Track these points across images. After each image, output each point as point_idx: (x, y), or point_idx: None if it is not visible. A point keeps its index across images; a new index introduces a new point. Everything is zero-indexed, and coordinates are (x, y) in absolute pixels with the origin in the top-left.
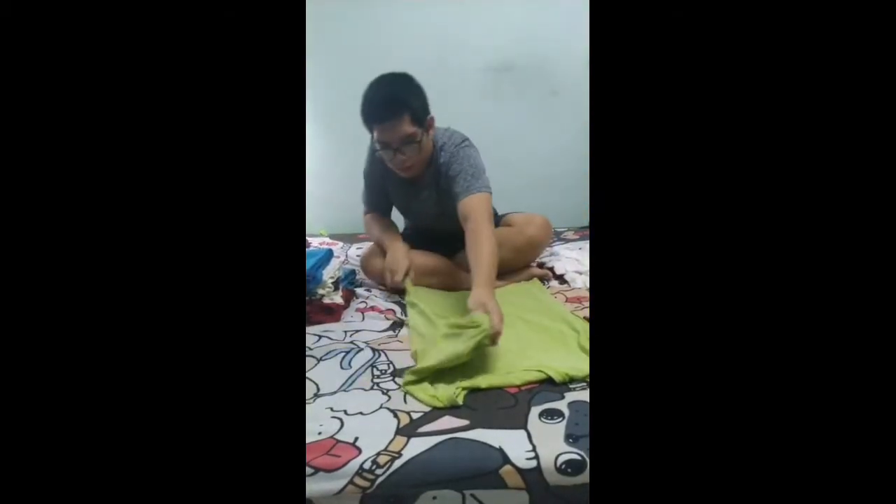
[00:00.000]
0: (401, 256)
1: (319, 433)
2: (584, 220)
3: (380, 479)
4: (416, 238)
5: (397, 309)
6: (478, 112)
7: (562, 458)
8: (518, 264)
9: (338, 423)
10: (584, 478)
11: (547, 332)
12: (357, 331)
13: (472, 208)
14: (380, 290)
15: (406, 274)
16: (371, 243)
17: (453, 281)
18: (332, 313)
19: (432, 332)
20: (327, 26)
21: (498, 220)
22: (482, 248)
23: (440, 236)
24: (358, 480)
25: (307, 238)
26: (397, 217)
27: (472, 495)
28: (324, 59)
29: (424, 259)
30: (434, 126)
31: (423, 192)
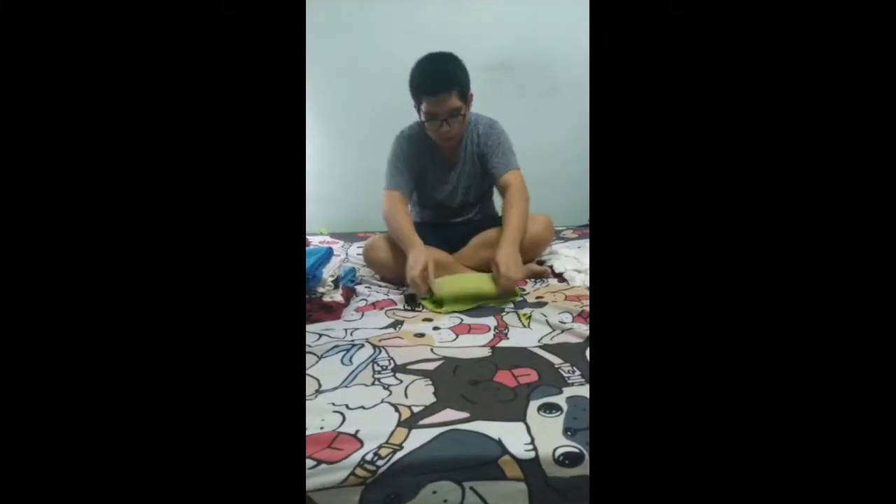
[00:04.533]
0: (421, 258)
1: (321, 427)
2: (583, 218)
3: (381, 471)
4: (423, 231)
5: (397, 307)
6: (478, 110)
7: (560, 451)
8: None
9: (339, 417)
10: (581, 470)
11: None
12: (357, 328)
13: (512, 181)
14: (380, 285)
15: (425, 268)
16: (374, 236)
17: (452, 274)
18: (333, 311)
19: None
20: (327, 26)
21: (500, 218)
22: (514, 213)
23: (448, 227)
24: (359, 472)
25: (307, 237)
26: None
27: (471, 488)
28: (324, 58)
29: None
30: (472, 102)
31: (456, 166)
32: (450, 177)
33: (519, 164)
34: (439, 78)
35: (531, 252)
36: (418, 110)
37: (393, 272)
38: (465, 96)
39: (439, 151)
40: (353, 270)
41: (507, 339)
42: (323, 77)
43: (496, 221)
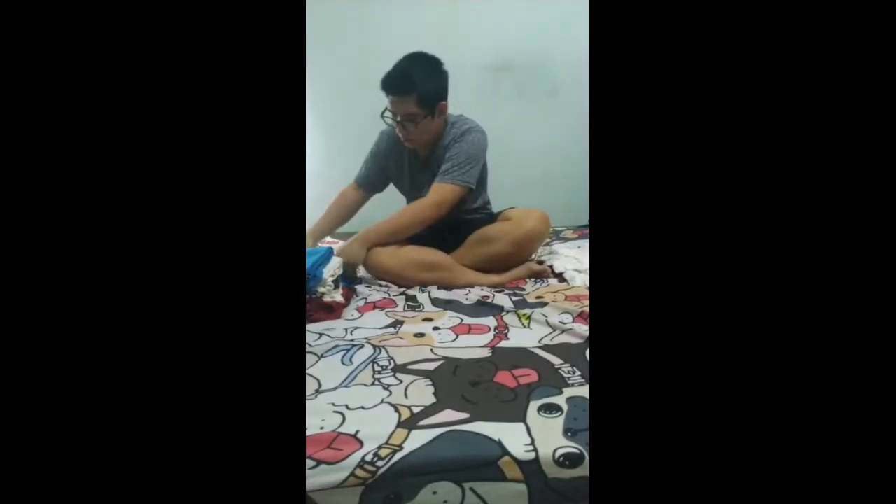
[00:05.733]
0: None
1: (321, 427)
2: (583, 218)
3: (381, 471)
4: (420, 232)
5: (397, 307)
6: (476, 111)
7: (560, 452)
8: (517, 258)
9: (339, 417)
10: (582, 471)
11: None
12: (357, 328)
13: (434, 191)
14: (380, 285)
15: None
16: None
17: (452, 275)
18: (333, 311)
19: None
20: (327, 26)
21: (496, 216)
22: (397, 216)
23: (438, 229)
24: (359, 472)
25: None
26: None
27: (471, 489)
28: (324, 58)
29: (423, 254)
30: (445, 112)
31: (425, 171)
32: (425, 176)
33: (469, 181)
34: (397, 79)
35: (527, 247)
36: None
37: (393, 275)
38: (430, 104)
39: (415, 151)
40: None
41: (507, 339)
42: (323, 77)
43: (491, 219)
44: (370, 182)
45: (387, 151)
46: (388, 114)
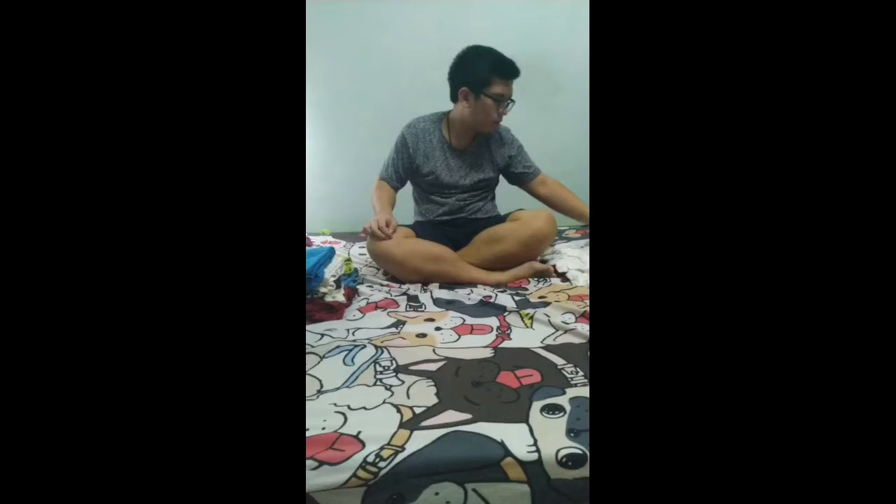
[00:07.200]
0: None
1: (323, 428)
2: None
3: (383, 472)
4: (425, 229)
5: (399, 307)
6: None
7: (563, 452)
8: (524, 258)
9: (341, 418)
10: (584, 471)
11: None
12: (359, 328)
13: (548, 178)
14: (382, 284)
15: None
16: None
17: (455, 269)
18: (335, 311)
19: None
20: (327, 25)
21: (504, 217)
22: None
23: (451, 225)
24: (361, 473)
25: (309, 237)
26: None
27: (474, 490)
28: (324, 57)
29: (429, 246)
30: None
31: (465, 155)
32: (456, 163)
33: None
34: (514, 64)
35: (534, 248)
36: (468, 94)
37: (396, 263)
38: None
39: (448, 140)
40: (354, 270)
41: (510, 339)
42: (323, 76)
43: (499, 220)
44: (401, 178)
45: (420, 145)
46: (489, 98)
